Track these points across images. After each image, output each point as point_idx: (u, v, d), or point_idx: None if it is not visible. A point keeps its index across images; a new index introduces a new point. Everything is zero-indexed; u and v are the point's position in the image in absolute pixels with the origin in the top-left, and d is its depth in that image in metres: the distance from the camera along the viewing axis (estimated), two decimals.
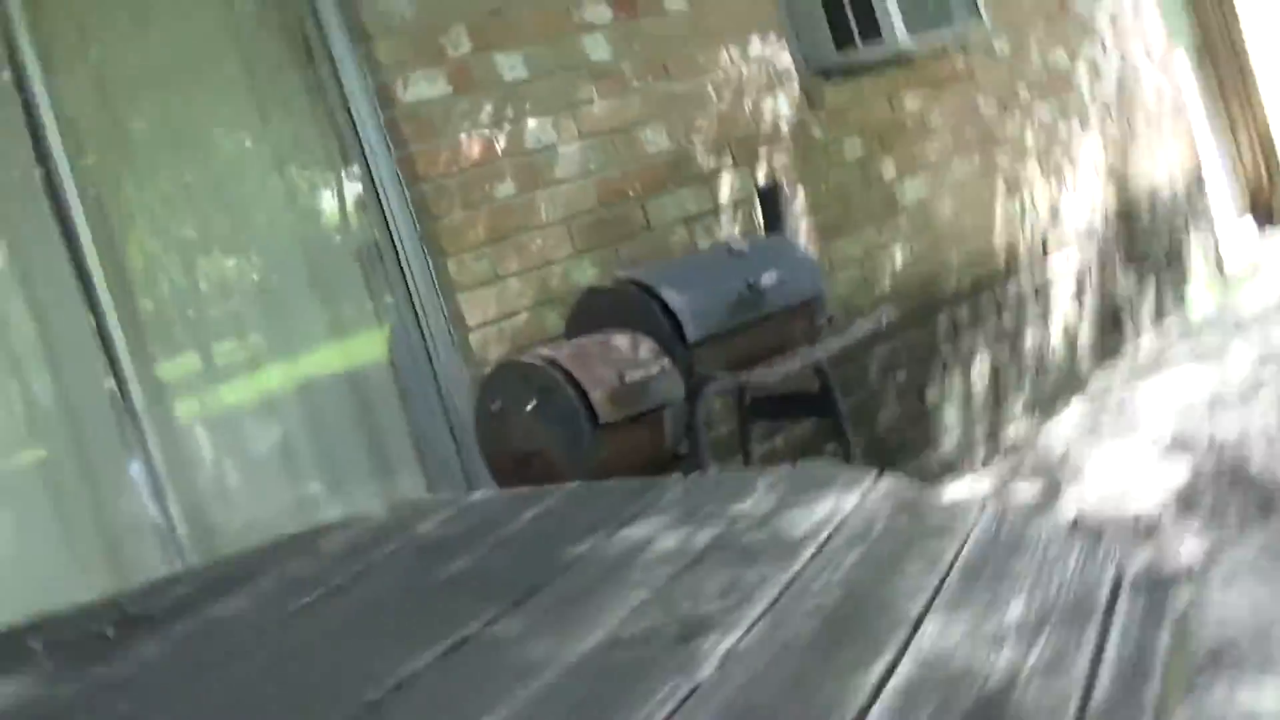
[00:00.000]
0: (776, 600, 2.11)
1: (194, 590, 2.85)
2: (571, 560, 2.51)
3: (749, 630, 2.01)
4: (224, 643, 2.41)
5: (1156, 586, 2.01)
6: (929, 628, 1.92)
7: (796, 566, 2.23)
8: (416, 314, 5.53)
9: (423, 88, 5.53)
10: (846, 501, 2.50)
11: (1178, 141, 10.22)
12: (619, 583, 2.33)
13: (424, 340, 5.54)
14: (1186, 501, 5.91)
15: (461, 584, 2.54)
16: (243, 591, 2.72)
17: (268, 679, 2.22)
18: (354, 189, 5.59)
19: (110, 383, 4.85)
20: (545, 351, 4.97)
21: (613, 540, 2.59)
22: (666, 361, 4.99)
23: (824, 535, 2.35)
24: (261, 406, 5.40)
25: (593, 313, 5.33)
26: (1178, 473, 6.31)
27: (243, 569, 2.91)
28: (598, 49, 6.19)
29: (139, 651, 2.45)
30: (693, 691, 1.84)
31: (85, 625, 2.60)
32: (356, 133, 5.49)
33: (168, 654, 2.42)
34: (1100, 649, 1.84)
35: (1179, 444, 6.73)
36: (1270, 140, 11.80)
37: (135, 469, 4.87)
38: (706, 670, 1.90)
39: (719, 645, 1.97)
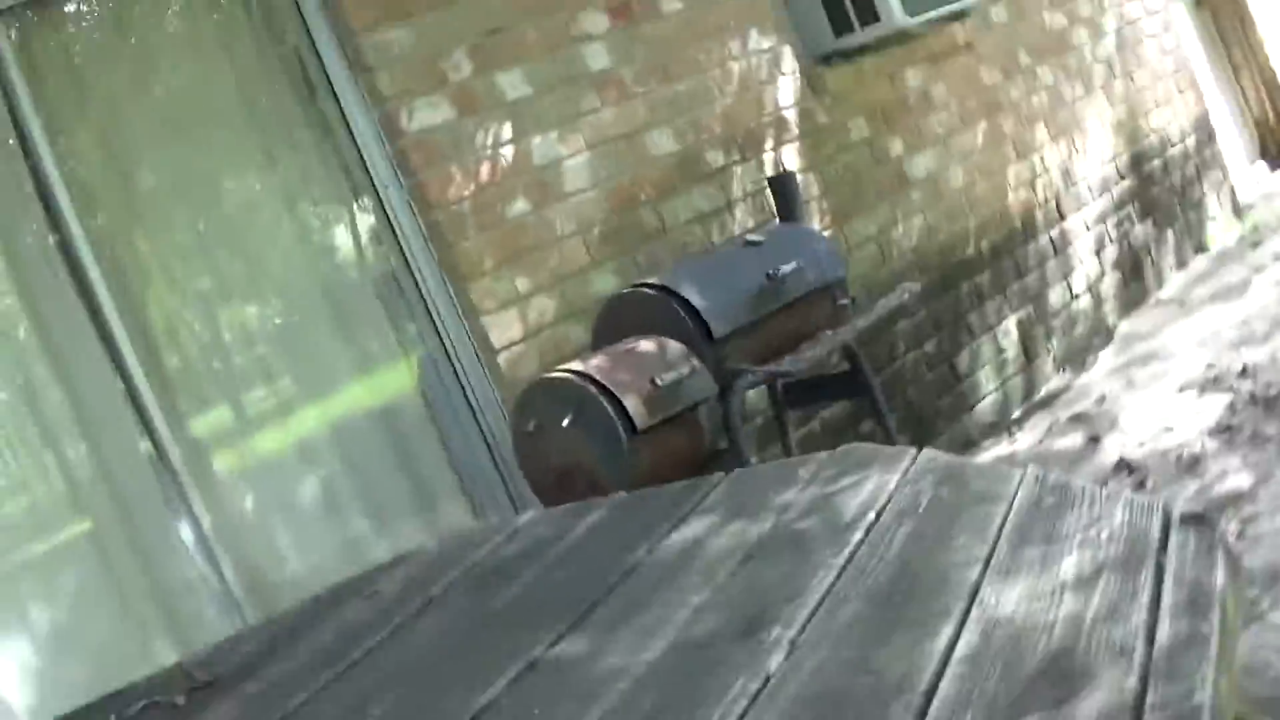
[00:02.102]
0: (834, 585, 2.13)
1: (257, 649, 2.86)
2: (627, 570, 2.53)
3: (810, 618, 2.03)
4: (294, 697, 2.43)
5: (1204, 523, 2.03)
6: (986, 594, 1.94)
7: (849, 549, 2.25)
8: (442, 341, 5.55)
9: (427, 114, 5.54)
10: (889, 480, 2.52)
11: (1183, 92, 10.21)
12: (677, 586, 2.35)
13: (453, 367, 5.56)
14: (1226, 433, 5.91)
15: (522, 608, 2.56)
16: (304, 644, 2.74)
17: None
18: (367, 222, 5.60)
19: (146, 444, 4.86)
20: (575, 365, 4.98)
21: (665, 545, 2.60)
22: (696, 361, 5.01)
23: (871, 516, 2.37)
24: (299, 451, 5.41)
25: (617, 321, 5.34)
26: (1214, 407, 6.30)
27: (302, 622, 2.93)
28: (598, 58, 6.21)
29: (211, 716, 2.47)
30: (764, 684, 1.87)
31: (155, 696, 2.62)
32: (365, 166, 5.50)
33: (240, 716, 2.44)
34: (1157, 591, 1.86)
35: (1212, 379, 6.72)
36: (1275, 83, 11.78)
37: (181, 528, 4.88)
38: (775, 662, 1.92)
39: (784, 636, 1.99)
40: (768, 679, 1.87)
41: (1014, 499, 2.27)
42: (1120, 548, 2.00)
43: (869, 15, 7.16)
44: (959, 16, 8.00)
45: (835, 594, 2.09)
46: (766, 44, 6.95)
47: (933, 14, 7.47)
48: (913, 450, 2.68)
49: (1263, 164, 11.64)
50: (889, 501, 2.42)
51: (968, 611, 1.89)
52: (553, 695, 2.07)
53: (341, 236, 5.73)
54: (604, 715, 1.94)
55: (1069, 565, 1.98)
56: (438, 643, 2.54)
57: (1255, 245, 9.29)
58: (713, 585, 2.30)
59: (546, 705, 2.04)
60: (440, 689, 2.27)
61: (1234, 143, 11.24)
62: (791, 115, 6.95)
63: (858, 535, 2.30)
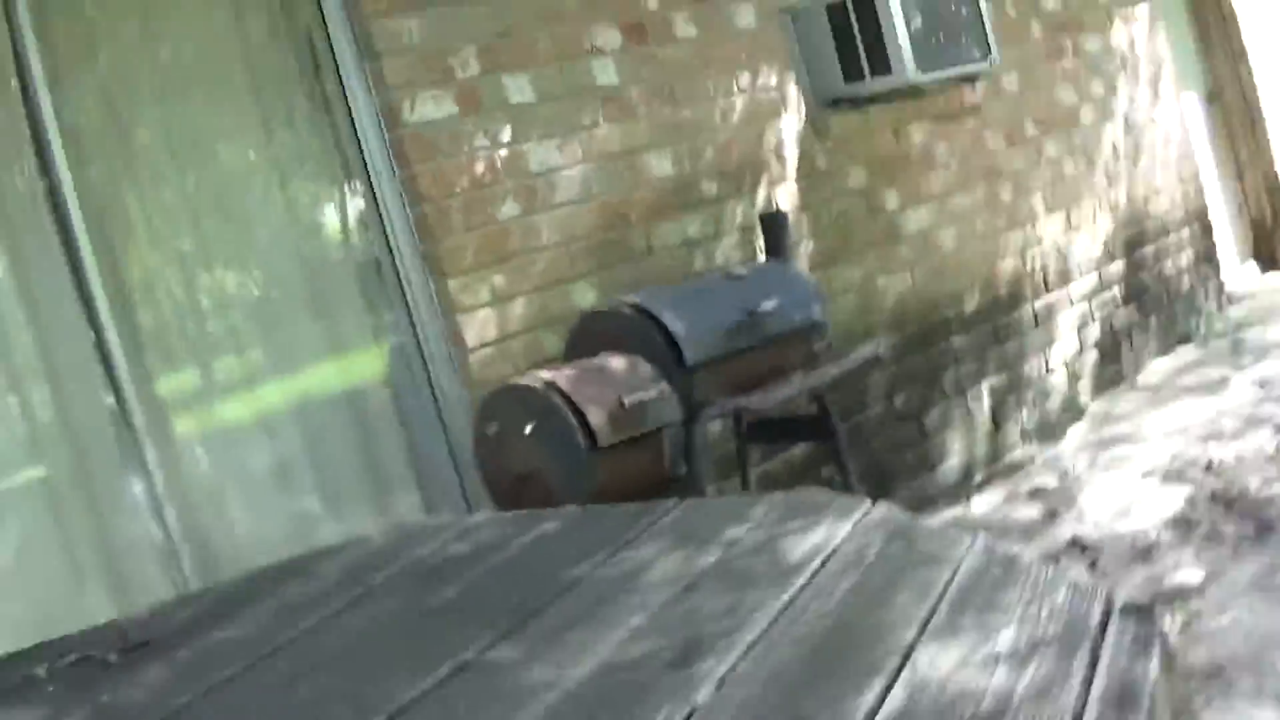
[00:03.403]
0: (771, 626, 2.13)
1: (195, 615, 2.86)
2: (569, 584, 2.53)
3: (744, 656, 2.03)
4: (225, 669, 2.43)
5: (1145, 616, 2.04)
6: (920, 656, 1.94)
7: (790, 593, 2.25)
8: (416, 334, 5.54)
9: (429, 108, 5.54)
10: (840, 529, 2.52)
11: (1184, 184, 10.25)
12: (616, 607, 2.35)
13: (423, 360, 5.56)
14: (1183, 525, 5.92)
15: (460, 609, 2.56)
16: (243, 617, 2.73)
17: (269, 706, 2.24)
18: (356, 206, 5.60)
19: (110, 399, 4.85)
20: (544, 374, 4.99)
21: (610, 564, 2.61)
22: (665, 385, 5.01)
23: (817, 563, 2.37)
24: (260, 424, 5.40)
25: (592, 336, 5.35)
26: (1174, 497, 6.32)
27: (242, 594, 2.93)
28: (606, 74, 6.21)
29: (142, 677, 2.47)
30: (689, 716, 1.87)
31: (89, 651, 2.62)
32: (361, 150, 5.50)
33: (170, 680, 2.44)
34: (1089, 677, 1.86)
35: (1176, 470, 6.74)
36: (1277, 185, 11.83)
37: (135, 487, 4.87)
38: (702, 695, 1.92)
39: (715, 670, 1.99)
40: (692, 712, 1.87)
41: (960, 565, 2.27)
42: (1058, 628, 2.00)
43: (881, 66, 7.14)
44: (970, 79, 8.01)
45: (770, 636, 2.10)
46: (775, 81, 6.97)
47: (944, 73, 7.47)
48: (867, 502, 2.68)
49: (1254, 264, 11.68)
50: (836, 551, 2.42)
51: (899, 671, 1.90)
52: (479, 699, 2.07)
53: (329, 217, 5.73)
54: None
55: (1006, 638, 1.98)
56: (372, 632, 2.54)
57: (1238, 344, 9.32)
58: (651, 611, 2.30)
59: (471, 708, 2.04)
60: (369, 679, 2.26)
61: (1228, 240, 11.28)
62: (791, 155, 6.96)
63: (800, 580, 2.30)
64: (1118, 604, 2.05)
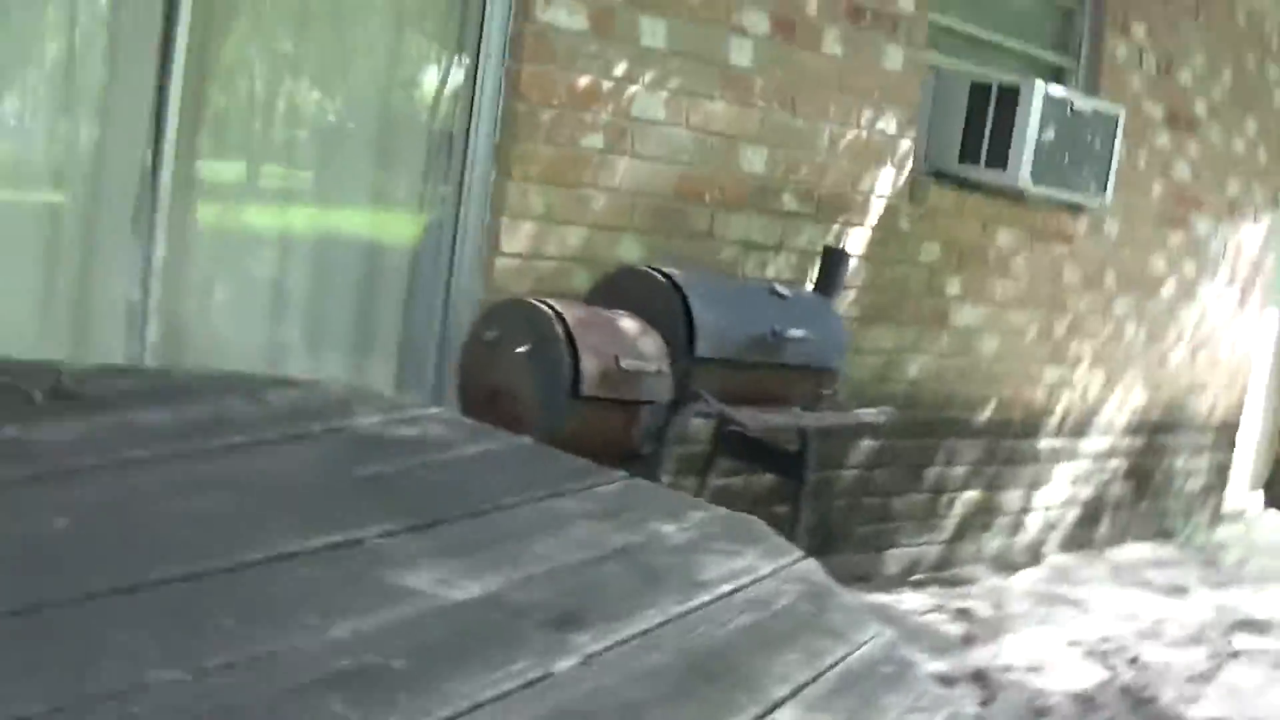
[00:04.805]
0: (656, 629, 2.10)
1: (133, 389, 2.83)
2: (490, 507, 2.50)
3: (619, 645, 2.00)
4: (139, 449, 2.40)
5: None
6: (783, 716, 1.91)
7: (689, 606, 2.22)
8: (457, 219, 5.52)
9: (562, 15, 5.51)
10: (762, 567, 2.49)
11: (1230, 394, 10.21)
12: (523, 548, 2.32)
13: (453, 247, 5.53)
14: (1086, 705, 5.89)
15: (378, 487, 2.53)
16: (177, 409, 2.70)
17: (157, 502, 2.21)
18: (455, 78, 5.58)
19: (148, 159, 4.83)
20: (558, 305, 4.97)
21: (538, 506, 2.58)
22: (666, 365, 5.00)
23: (727, 588, 2.34)
24: (278, 242, 5.38)
25: (620, 290, 5.33)
26: (1090, 675, 6.28)
27: (186, 387, 2.90)
28: (741, 54, 6.18)
29: (57, 426, 2.44)
30: (541, 678, 1.84)
31: (18, 383, 2.59)
32: (481, 29, 5.47)
33: (82, 439, 2.41)
34: None
35: (1103, 651, 6.71)
36: None
37: (134, 249, 4.85)
38: (564, 664, 1.89)
39: (586, 646, 1.96)
40: (546, 675, 1.84)
41: (859, 648, 2.24)
42: None
43: (998, 160, 7.15)
44: (1076, 208, 7.99)
45: (653, 637, 2.06)
46: (894, 130, 6.93)
47: (1054, 193, 7.47)
48: (800, 553, 2.65)
49: (1260, 495, 11.60)
50: (750, 584, 2.39)
51: None
52: (353, 580, 2.04)
53: (426, 76, 5.73)
54: (387, 622, 1.91)
55: None
56: (285, 476, 2.51)
57: (1214, 563, 9.28)
58: (553, 565, 2.27)
59: (342, 586, 2.01)
60: (261, 518, 2.23)
61: (1246, 460, 11.19)
62: (879, 206, 6.93)
63: (704, 598, 2.27)
64: None
